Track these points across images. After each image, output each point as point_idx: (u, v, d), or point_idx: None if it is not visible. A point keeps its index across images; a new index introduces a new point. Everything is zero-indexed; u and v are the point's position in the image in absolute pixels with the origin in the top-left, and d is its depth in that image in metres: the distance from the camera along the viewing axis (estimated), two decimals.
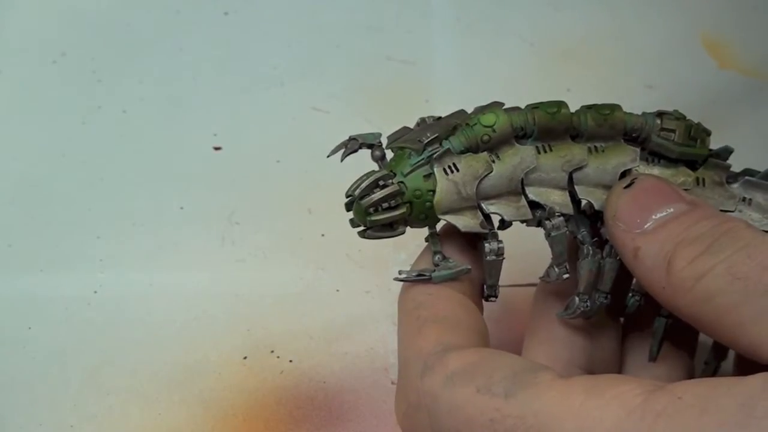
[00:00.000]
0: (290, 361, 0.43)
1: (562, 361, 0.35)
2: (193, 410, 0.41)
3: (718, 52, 0.57)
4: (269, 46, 0.58)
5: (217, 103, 0.54)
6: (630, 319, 0.37)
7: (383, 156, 0.34)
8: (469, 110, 0.34)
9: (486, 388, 0.29)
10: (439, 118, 0.34)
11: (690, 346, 0.36)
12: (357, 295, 0.45)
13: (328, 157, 0.34)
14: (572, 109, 0.34)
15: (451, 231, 0.34)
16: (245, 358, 0.43)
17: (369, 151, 0.34)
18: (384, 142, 0.34)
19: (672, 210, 0.31)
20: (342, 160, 0.34)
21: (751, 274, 0.28)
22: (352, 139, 0.34)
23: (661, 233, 0.31)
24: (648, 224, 0.31)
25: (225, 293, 0.45)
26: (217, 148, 0.52)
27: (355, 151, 0.34)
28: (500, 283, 0.35)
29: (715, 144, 0.35)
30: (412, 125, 0.35)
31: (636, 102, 0.54)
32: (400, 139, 0.34)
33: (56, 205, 0.49)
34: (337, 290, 0.45)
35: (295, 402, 0.41)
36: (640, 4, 0.60)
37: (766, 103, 0.55)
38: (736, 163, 0.35)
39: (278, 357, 0.43)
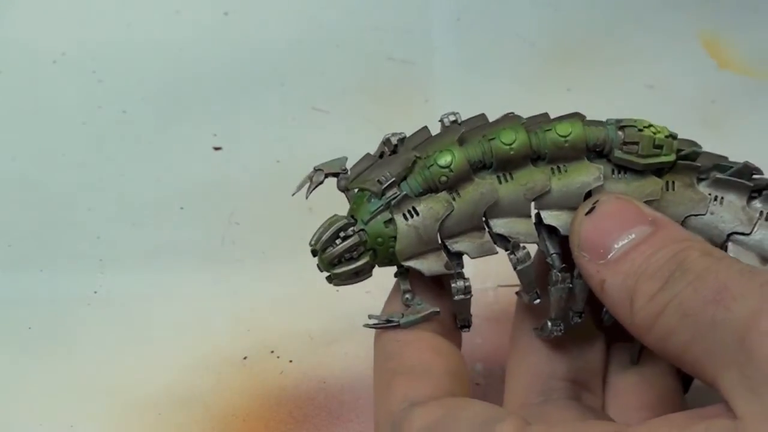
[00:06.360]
0: (290, 361, 0.43)
1: (543, 374, 0.35)
2: (193, 410, 0.41)
3: (717, 52, 0.57)
4: (269, 46, 0.57)
5: (217, 103, 0.54)
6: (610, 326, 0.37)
7: (347, 188, 0.33)
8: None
9: None
10: (403, 138, 0.34)
11: None
12: (357, 295, 0.45)
13: (293, 195, 0.34)
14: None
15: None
16: (245, 358, 0.43)
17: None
18: (349, 166, 0.34)
19: (633, 236, 0.31)
20: (307, 197, 0.34)
21: (697, 310, 0.28)
22: (317, 170, 0.34)
23: (624, 265, 0.30)
24: (611, 254, 0.31)
25: (225, 293, 0.45)
26: (217, 148, 0.52)
27: (321, 182, 0.34)
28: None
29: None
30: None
31: (636, 102, 0.54)
32: (360, 177, 0.33)
33: (56, 205, 0.49)
34: (337, 290, 0.45)
35: (295, 402, 0.41)
36: (640, 4, 0.60)
37: (766, 103, 0.55)
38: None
39: (278, 357, 0.43)
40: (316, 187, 0.34)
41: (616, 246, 0.31)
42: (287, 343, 0.43)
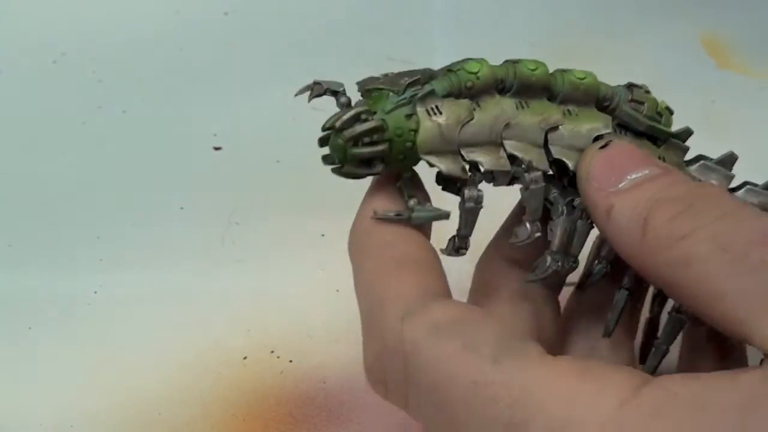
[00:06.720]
0: (290, 361, 0.43)
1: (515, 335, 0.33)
2: (192, 410, 0.41)
3: (717, 52, 0.57)
4: (269, 46, 0.58)
5: (217, 103, 0.55)
6: (579, 294, 0.36)
7: (349, 102, 0.33)
8: None
9: (473, 347, 0.27)
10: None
11: (633, 329, 0.36)
12: None
13: (295, 96, 0.33)
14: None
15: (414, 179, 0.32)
16: (245, 358, 0.43)
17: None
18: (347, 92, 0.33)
19: (647, 171, 0.31)
20: (309, 101, 0.33)
21: (739, 247, 0.27)
22: (316, 83, 0.33)
23: (637, 192, 0.30)
24: (623, 183, 0.30)
25: (225, 293, 0.45)
26: (217, 148, 0.52)
27: (321, 95, 0.33)
28: None
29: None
30: None
31: None
32: (376, 82, 0.33)
33: (56, 205, 0.49)
34: (337, 290, 0.45)
35: (295, 402, 0.41)
36: (639, 4, 0.60)
37: (766, 103, 0.55)
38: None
39: (278, 357, 0.43)
40: (316, 96, 0.33)
41: (629, 177, 0.31)
42: (287, 343, 0.43)
